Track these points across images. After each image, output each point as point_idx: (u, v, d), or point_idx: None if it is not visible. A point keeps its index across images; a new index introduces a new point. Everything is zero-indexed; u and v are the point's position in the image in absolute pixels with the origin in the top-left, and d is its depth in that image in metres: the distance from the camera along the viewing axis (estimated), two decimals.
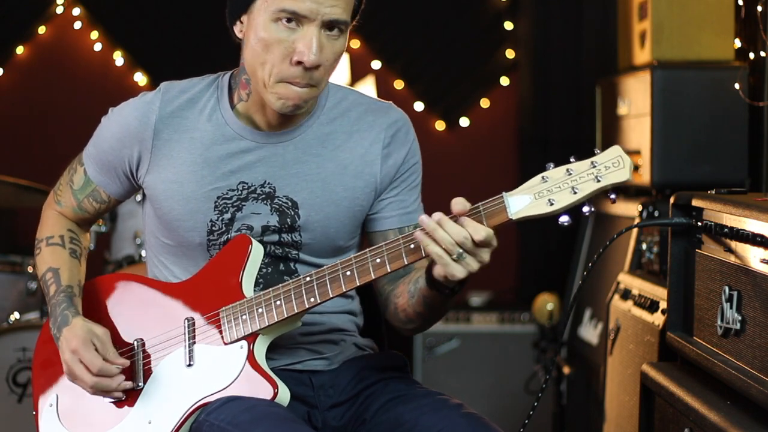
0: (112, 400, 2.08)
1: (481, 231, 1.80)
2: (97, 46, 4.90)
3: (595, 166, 1.80)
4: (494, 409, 4.16)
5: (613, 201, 1.84)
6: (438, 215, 1.82)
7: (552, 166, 1.83)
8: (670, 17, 3.43)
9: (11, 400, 3.46)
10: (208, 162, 2.07)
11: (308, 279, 1.96)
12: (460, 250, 1.80)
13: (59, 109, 4.92)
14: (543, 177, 1.82)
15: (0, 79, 4.89)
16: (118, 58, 4.90)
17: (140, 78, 4.90)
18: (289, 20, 1.94)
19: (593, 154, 1.82)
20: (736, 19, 3.38)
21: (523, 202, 1.82)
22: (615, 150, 1.81)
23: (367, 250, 1.91)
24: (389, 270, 1.89)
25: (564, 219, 1.82)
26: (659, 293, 2.76)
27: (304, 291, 1.96)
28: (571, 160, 1.83)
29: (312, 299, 1.95)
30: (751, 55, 3.29)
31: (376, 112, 2.14)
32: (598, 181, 1.79)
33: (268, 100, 2.00)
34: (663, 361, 2.55)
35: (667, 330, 2.38)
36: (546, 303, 3.86)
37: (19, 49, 4.88)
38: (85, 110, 4.73)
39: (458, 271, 1.82)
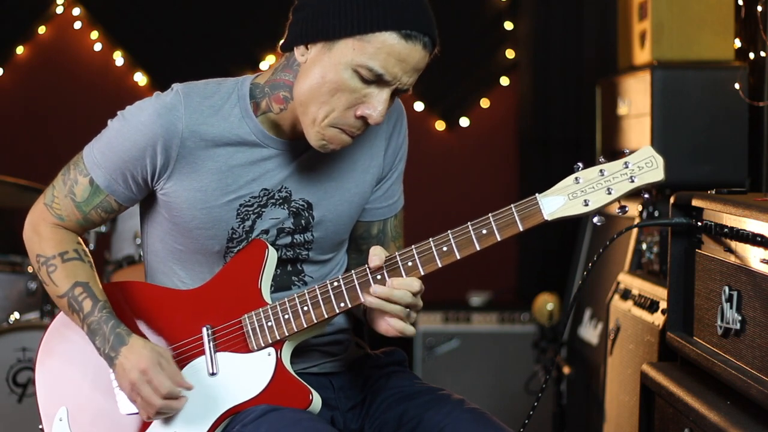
0: (136, 412, 2.02)
1: (414, 283, 1.88)
2: (97, 46, 4.90)
3: (628, 167, 1.84)
4: (494, 409, 4.10)
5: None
6: (391, 282, 1.89)
7: (581, 166, 1.86)
8: (670, 17, 3.43)
9: (11, 400, 3.45)
10: (232, 170, 2.01)
11: (336, 284, 1.94)
12: (408, 310, 1.89)
13: (59, 109, 4.92)
14: (576, 178, 1.85)
15: (0, 79, 4.89)
16: (118, 58, 4.90)
17: (140, 78, 4.90)
18: (368, 77, 1.89)
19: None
20: (736, 19, 3.38)
21: (557, 203, 1.84)
22: (647, 150, 1.85)
23: (397, 254, 1.90)
24: (422, 273, 1.90)
25: (597, 219, 1.85)
26: (659, 293, 2.75)
27: (332, 296, 1.94)
28: (600, 160, 1.86)
29: (342, 304, 1.94)
30: (751, 55, 3.29)
31: None
32: (632, 181, 1.83)
33: (310, 135, 1.94)
34: (663, 361, 2.54)
35: (667, 330, 2.38)
36: (546, 303, 3.86)
37: (19, 49, 4.88)
38: (85, 110, 4.77)
39: (408, 330, 1.91)
